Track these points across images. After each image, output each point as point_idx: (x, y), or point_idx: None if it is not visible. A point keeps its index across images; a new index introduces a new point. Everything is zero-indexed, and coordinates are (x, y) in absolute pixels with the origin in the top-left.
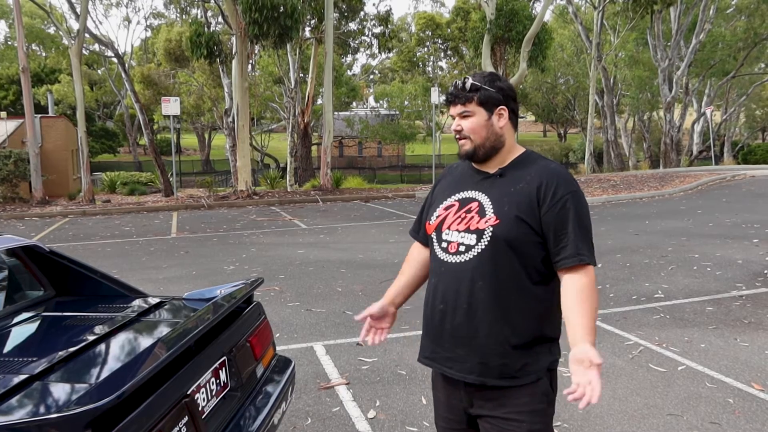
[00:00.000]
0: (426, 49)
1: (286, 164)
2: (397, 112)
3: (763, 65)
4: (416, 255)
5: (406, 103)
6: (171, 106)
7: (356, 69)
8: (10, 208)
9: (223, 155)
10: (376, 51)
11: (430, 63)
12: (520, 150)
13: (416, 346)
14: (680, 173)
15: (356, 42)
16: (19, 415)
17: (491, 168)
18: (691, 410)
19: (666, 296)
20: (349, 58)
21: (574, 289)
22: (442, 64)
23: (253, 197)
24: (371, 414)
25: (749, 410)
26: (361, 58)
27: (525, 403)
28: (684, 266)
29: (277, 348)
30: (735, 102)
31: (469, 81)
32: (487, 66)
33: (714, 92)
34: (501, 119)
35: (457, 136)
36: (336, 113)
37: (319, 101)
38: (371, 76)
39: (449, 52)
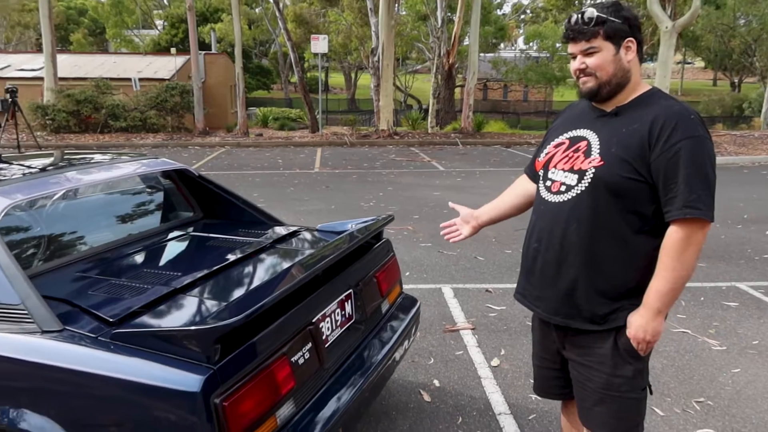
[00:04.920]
0: None
1: (429, 106)
2: (548, 55)
3: None
4: (519, 184)
5: (558, 45)
6: (319, 44)
7: (506, 8)
8: (176, 137)
9: (368, 95)
10: None
11: (588, 1)
12: (645, 88)
13: None
14: None
15: None
16: (161, 323)
17: (610, 106)
18: None
19: None
20: None
21: (665, 245)
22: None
23: (394, 137)
24: (495, 362)
25: None
26: None
27: (606, 353)
28: None
29: (406, 287)
30: None
31: (593, 12)
32: (654, 4)
33: None
34: (629, 53)
35: (581, 75)
36: (482, 54)
37: (466, 42)
38: (522, 16)
39: None
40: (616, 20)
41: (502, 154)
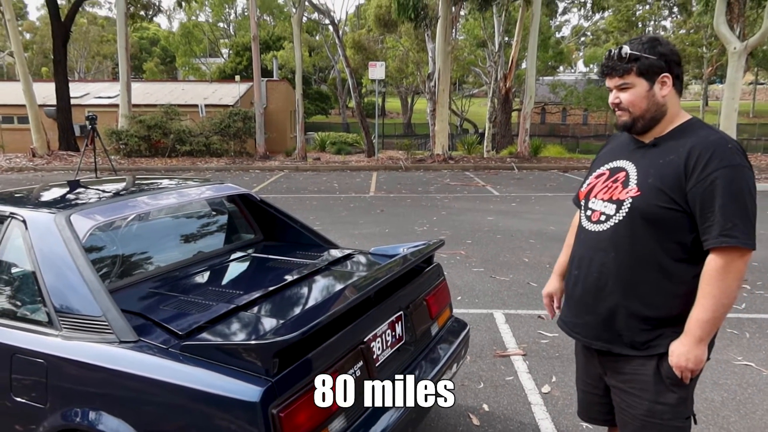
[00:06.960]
0: (648, 6)
1: (485, 130)
2: None
3: None
4: (575, 223)
5: None
6: (377, 71)
7: (566, 31)
8: (238, 161)
9: (424, 119)
10: (590, 11)
11: (652, 23)
12: (684, 118)
13: None
14: None
15: (567, 2)
16: (223, 338)
17: (648, 138)
18: None
19: None
20: (558, 19)
21: (704, 274)
22: (666, 23)
23: (449, 161)
24: (546, 389)
25: None
26: (573, 19)
27: (648, 380)
28: None
29: (457, 311)
30: None
31: (627, 50)
32: (720, 24)
33: None
34: (664, 88)
35: (617, 109)
36: (540, 78)
37: (523, 65)
38: (582, 39)
39: (675, 10)
40: (651, 56)
41: (559, 179)
